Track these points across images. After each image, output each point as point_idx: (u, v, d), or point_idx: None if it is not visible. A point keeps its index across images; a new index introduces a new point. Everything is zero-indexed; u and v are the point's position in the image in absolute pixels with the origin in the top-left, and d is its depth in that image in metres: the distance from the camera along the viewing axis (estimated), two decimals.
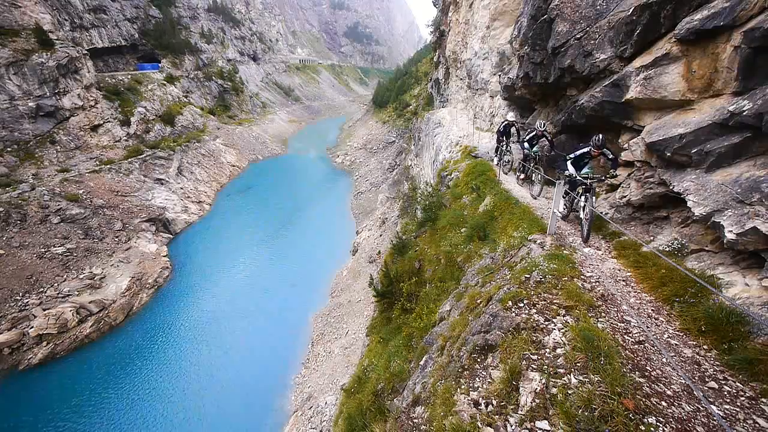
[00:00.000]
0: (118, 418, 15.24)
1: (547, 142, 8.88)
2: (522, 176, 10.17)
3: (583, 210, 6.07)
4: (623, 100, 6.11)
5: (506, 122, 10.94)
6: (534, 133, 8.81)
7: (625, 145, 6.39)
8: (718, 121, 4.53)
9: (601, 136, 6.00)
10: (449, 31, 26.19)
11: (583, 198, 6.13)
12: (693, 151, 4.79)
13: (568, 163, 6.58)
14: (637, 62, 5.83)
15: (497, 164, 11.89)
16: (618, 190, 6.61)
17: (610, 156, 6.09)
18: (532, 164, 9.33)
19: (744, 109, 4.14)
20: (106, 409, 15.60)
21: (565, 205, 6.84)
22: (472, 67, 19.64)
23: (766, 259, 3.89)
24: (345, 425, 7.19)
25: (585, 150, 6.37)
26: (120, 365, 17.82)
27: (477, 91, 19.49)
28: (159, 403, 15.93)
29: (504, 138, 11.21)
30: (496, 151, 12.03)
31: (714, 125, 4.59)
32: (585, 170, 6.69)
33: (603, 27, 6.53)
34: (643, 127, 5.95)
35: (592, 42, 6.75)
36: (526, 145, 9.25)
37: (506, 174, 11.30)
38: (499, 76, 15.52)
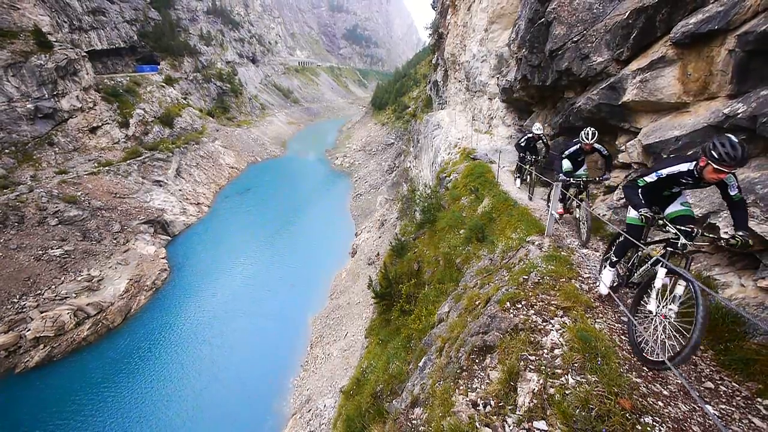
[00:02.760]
0: (115, 420, 15.15)
1: (602, 159, 6.10)
2: (559, 209, 6.72)
3: None
4: (620, 102, 6.16)
5: (530, 135, 8.77)
6: (577, 147, 5.93)
7: (622, 147, 6.45)
8: (713, 124, 4.59)
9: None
10: (448, 33, 26.32)
11: None
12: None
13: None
14: (634, 65, 5.89)
15: (519, 186, 9.99)
16: (615, 192, 6.66)
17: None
18: (575, 193, 6.35)
19: (738, 111, 4.19)
20: (104, 412, 15.50)
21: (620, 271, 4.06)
22: (471, 70, 19.73)
23: (761, 261, 3.93)
24: (344, 427, 7.18)
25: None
26: (117, 368, 17.72)
27: (475, 93, 19.57)
28: (157, 405, 15.85)
29: (526, 154, 9.17)
30: (519, 170, 10.04)
31: (709, 127, 4.65)
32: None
33: (599, 30, 6.60)
34: (640, 129, 6.00)
35: (588, 45, 6.81)
36: (565, 164, 6.35)
37: (531, 200, 8.93)
38: (498, 78, 15.62)
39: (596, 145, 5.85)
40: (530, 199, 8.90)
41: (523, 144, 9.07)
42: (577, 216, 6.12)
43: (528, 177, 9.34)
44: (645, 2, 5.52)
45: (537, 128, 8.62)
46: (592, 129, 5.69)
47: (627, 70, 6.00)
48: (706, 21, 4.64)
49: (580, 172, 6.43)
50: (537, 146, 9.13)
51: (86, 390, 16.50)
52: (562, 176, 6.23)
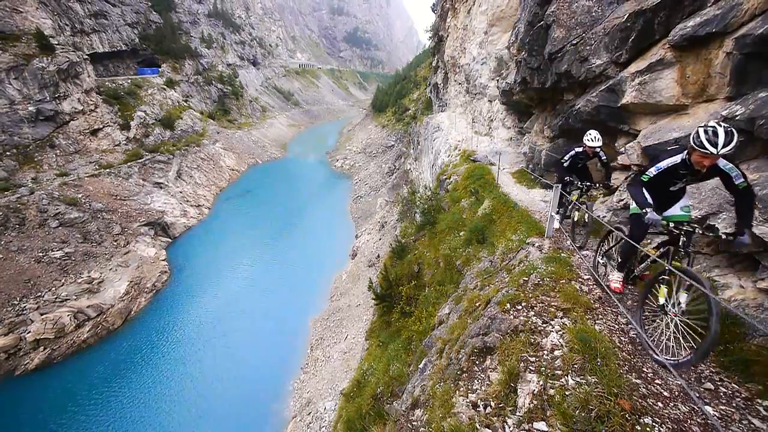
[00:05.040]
0: (115, 422, 15.10)
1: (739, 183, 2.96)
2: (616, 280, 4.10)
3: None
4: (619, 104, 6.19)
5: (579, 149, 5.74)
6: (679, 159, 3.19)
7: (622, 149, 6.47)
8: None
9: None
10: (448, 36, 26.45)
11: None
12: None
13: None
14: (632, 67, 5.93)
15: (558, 224, 6.46)
16: (615, 194, 6.67)
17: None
18: (675, 247, 3.34)
19: (737, 113, 4.21)
20: (104, 414, 15.46)
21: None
22: (471, 72, 19.82)
23: (760, 262, 3.94)
24: (344, 429, 7.17)
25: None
26: (117, 370, 17.69)
27: (475, 95, 19.65)
28: (155, 408, 15.80)
29: (573, 177, 6.05)
30: (559, 203, 6.48)
31: None
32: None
33: (598, 33, 6.63)
34: (639, 131, 6.03)
35: (587, 48, 6.85)
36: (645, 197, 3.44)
37: (581, 248, 5.51)
38: (497, 80, 15.69)
39: (724, 164, 2.96)
40: (580, 248, 5.47)
41: (567, 163, 5.94)
42: (575, 219, 4.32)
43: (574, 213, 5.95)
44: (643, 5, 5.56)
45: (591, 139, 5.48)
46: (724, 123, 2.82)
47: (626, 73, 6.03)
48: (704, 24, 4.67)
49: (680, 212, 3.49)
50: (588, 166, 6.14)
51: (86, 392, 16.46)
52: (650, 214, 3.15)
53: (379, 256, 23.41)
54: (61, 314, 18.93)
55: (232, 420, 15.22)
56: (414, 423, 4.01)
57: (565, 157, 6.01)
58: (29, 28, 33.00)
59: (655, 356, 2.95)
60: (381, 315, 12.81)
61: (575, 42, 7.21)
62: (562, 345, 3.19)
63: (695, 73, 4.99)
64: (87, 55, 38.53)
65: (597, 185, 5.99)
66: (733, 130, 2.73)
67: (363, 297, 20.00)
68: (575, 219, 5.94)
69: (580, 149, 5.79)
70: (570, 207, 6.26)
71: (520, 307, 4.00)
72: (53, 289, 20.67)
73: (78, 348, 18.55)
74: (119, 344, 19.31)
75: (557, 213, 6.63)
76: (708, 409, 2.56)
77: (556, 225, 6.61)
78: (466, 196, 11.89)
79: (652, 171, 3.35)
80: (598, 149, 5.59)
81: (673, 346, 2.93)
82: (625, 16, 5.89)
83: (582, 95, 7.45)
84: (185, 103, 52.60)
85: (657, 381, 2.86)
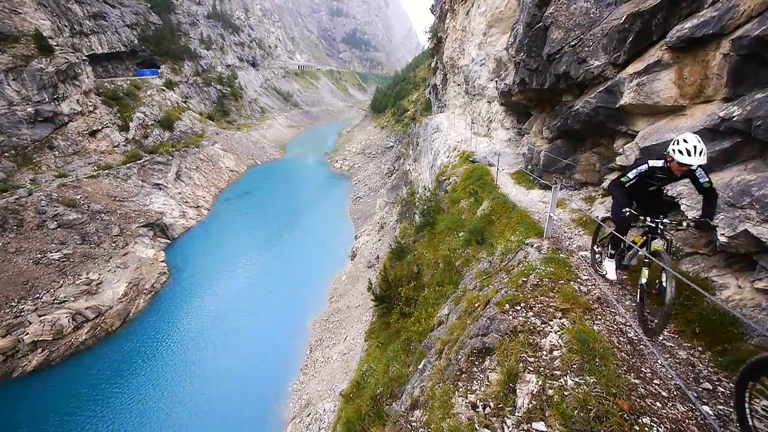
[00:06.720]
0: (114, 423, 15.05)
1: None
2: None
3: None
4: (617, 105, 6.22)
5: (659, 163, 3.49)
6: None
7: (620, 150, 6.49)
8: (709, 127, 4.63)
9: None
10: (446, 37, 26.52)
11: None
12: None
13: None
14: (630, 69, 5.96)
15: (614, 275, 4.33)
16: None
17: None
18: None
19: (734, 114, 4.23)
20: (102, 416, 15.41)
21: None
22: (470, 73, 19.89)
23: (758, 262, 3.95)
24: (343, 431, 7.15)
25: None
26: (116, 372, 17.64)
27: (474, 96, 19.71)
28: (155, 408, 15.76)
29: (641, 206, 3.82)
30: (613, 244, 4.26)
31: (705, 130, 4.69)
32: None
33: (596, 34, 6.66)
34: (637, 132, 6.05)
35: (586, 49, 6.88)
36: None
37: (655, 334, 3.40)
38: (496, 81, 15.75)
39: None
40: (651, 331, 3.44)
41: (635, 180, 3.74)
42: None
43: (642, 270, 3.69)
44: (641, 7, 5.59)
45: (688, 151, 3.14)
46: None
47: (624, 74, 6.06)
48: (701, 26, 4.70)
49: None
50: (663, 191, 4.03)
51: (85, 394, 16.41)
52: None
53: (378, 257, 23.41)
54: (60, 316, 18.87)
55: (232, 420, 15.19)
56: (413, 424, 4.01)
57: (629, 174, 3.72)
58: (28, 29, 32.98)
59: None
60: (380, 316, 12.80)
61: (573, 43, 7.24)
62: (560, 345, 3.20)
63: (692, 74, 5.02)
64: (86, 56, 38.57)
65: (683, 224, 3.54)
66: None
67: (362, 298, 19.98)
68: (643, 281, 3.64)
69: (659, 163, 3.51)
70: (630, 254, 4.13)
71: (519, 308, 4.01)
72: (51, 290, 20.62)
73: (76, 350, 18.49)
74: (118, 346, 19.26)
75: (609, 257, 4.35)
76: (705, 408, 2.57)
77: (612, 276, 4.32)
78: (465, 196, 11.90)
79: None
80: (695, 167, 3.26)
81: None
82: (623, 18, 5.92)
83: (580, 96, 7.48)
84: (184, 104, 52.59)
85: (655, 381, 2.87)
